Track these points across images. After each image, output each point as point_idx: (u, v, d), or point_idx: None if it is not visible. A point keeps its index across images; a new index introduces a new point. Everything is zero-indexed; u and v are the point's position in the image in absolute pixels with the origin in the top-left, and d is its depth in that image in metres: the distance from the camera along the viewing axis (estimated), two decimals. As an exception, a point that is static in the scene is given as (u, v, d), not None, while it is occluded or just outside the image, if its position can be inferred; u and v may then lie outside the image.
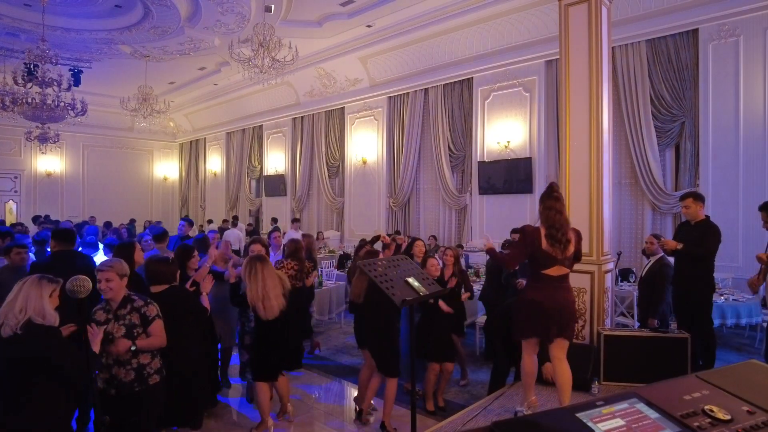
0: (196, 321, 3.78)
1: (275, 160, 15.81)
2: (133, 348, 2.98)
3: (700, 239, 4.66)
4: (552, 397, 3.98)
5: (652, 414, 0.94)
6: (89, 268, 4.08)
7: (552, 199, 3.51)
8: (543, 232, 3.45)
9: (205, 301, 3.96)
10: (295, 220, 10.97)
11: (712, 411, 0.91)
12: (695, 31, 7.65)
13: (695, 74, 7.70)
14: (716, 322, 5.73)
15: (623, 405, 0.98)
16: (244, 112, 16.53)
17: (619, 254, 6.87)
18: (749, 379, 1.04)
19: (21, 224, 12.00)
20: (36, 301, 2.56)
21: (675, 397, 0.97)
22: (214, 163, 18.67)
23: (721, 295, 6.15)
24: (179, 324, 3.48)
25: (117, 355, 2.97)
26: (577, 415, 0.96)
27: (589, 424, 0.92)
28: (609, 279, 5.06)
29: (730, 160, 7.32)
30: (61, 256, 4.22)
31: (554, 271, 3.49)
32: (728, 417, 0.90)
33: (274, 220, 13.74)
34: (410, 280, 2.95)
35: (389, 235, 6.44)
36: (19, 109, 10.45)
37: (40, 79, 9.61)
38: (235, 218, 14.80)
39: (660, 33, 7.94)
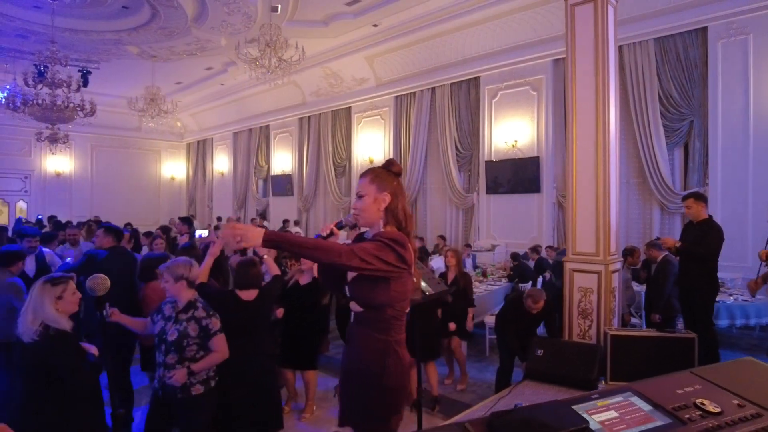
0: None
1: (282, 160, 15.87)
2: (190, 372, 2.85)
3: (701, 238, 4.64)
4: (549, 394, 3.98)
5: (645, 406, 0.96)
6: (132, 266, 4.49)
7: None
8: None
9: (272, 265, 3.89)
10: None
11: (702, 404, 0.92)
12: (704, 29, 7.60)
13: (704, 72, 7.65)
14: (725, 322, 5.68)
15: (618, 398, 0.99)
16: (250, 112, 16.60)
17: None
18: (742, 375, 1.05)
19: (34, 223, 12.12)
20: (43, 308, 2.54)
21: (668, 391, 0.99)
22: (222, 162, 18.78)
23: (730, 295, 6.09)
24: (263, 328, 3.54)
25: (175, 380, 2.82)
26: (573, 407, 0.98)
27: (584, 415, 0.95)
28: (616, 279, 5.04)
29: (739, 159, 7.26)
30: (115, 252, 4.44)
31: None
32: (718, 410, 0.91)
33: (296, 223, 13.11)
34: (415, 279, 2.97)
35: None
36: (29, 111, 10.60)
37: (49, 80, 9.75)
38: (219, 219, 15.08)
39: (668, 31, 7.90)
